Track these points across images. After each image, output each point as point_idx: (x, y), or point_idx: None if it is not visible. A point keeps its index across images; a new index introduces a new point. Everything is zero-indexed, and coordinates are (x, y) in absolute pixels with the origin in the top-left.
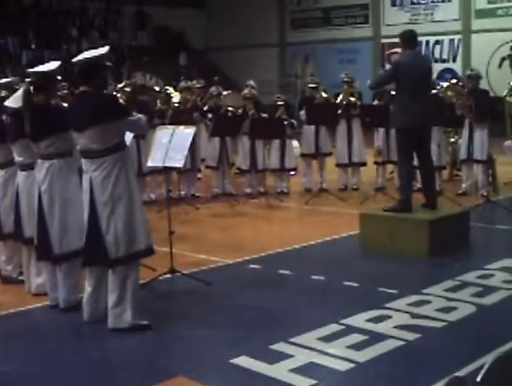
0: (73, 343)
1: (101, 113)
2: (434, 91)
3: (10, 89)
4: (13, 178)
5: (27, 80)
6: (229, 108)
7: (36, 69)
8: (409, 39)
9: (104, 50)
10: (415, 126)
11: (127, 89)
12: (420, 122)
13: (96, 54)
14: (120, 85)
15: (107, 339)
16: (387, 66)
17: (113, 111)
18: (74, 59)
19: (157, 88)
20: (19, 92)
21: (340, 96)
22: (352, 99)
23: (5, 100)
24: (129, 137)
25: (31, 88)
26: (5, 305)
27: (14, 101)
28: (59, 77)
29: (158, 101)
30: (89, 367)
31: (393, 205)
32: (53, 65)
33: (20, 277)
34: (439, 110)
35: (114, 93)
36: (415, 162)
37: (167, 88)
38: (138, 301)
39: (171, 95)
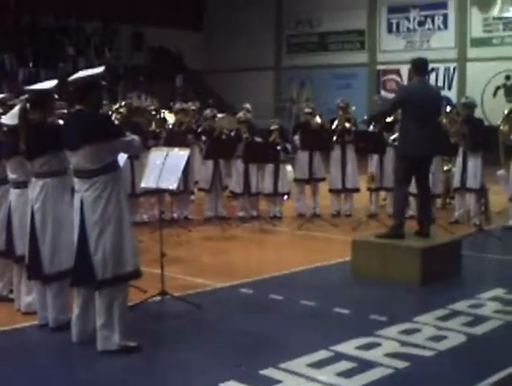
0: (61, 364)
1: (95, 133)
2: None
3: (4, 105)
4: (6, 196)
5: (23, 97)
6: (224, 131)
7: (33, 87)
8: (421, 66)
9: (100, 69)
10: (420, 154)
11: (122, 110)
12: (425, 150)
13: (92, 73)
14: (115, 106)
15: (95, 361)
16: (382, 92)
17: (107, 131)
18: (70, 78)
19: (152, 111)
20: (16, 109)
21: (336, 122)
22: (347, 125)
23: (1, 117)
24: (122, 158)
25: (28, 105)
26: None
27: (10, 118)
28: (55, 96)
29: (152, 123)
30: None
31: (385, 231)
32: (50, 84)
33: (10, 295)
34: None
35: (109, 113)
36: (410, 189)
37: (162, 111)
38: (127, 322)
39: (166, 117)
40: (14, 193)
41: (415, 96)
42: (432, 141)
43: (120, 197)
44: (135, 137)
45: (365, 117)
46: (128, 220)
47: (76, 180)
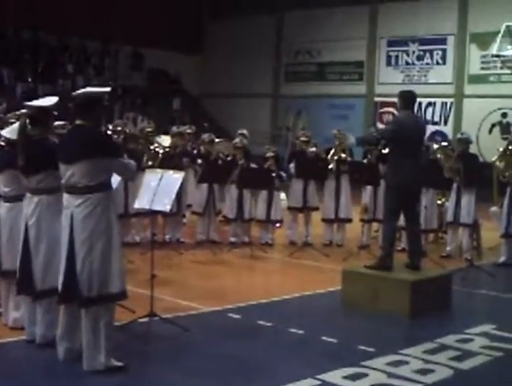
0: (46, 381)
1: (94, 148)
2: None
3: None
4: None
5: (20, 112)
6: (220, 156)
7: (34, 103)
8: (410, 99)
9: (106, 89)
10: (407, 185)
11: (119, 135)
12: (413, 182)
13: (98, 91)
14: (111, 126)
15: (81, 380)
16: (378, 124)
17: (106, 148)
18: (75, 92)
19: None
20: (17, 124)
21: (332, 152)
22: (343, 155)
23: None
24: (116, 179)
25: (28, 121)
26: None
27: (10, 132)
28: (55, 113)
29: (145, 155)
30: None
31: (374, 262)
32: (51, 100)
33: None
34: (429, 172)
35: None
36: (402, 222)
37: (156, 146)
38: (113, 342)
39: (161, 141)
40: (4, 207)
41: (405, 127)
42: (419, 173)
43: (111, 218)
44: (131, 162)
45: (354, 139)
46: (117, 241)
47: (66, 196)
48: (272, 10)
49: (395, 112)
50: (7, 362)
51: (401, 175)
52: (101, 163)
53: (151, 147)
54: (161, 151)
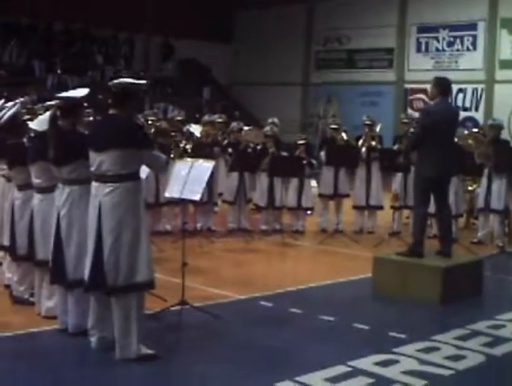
0: (79, 369)
1: (127, 137)
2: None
3: (28, 110)
4: (31, 201)
5: (50, 103)
6: (250, 145)
7: (65, 94)
8: (446, 86)
9: (143, 82)
10: (439, 174)
11: (150, 128)
12: (444, 171)
13: (135, 82)
14: (141, 118)
15: (112, 368)
16: (409, 111)
17: (139, 139)
18: (112, 82)
19: (177, 135)
20: (45, 116)
21: (362, 139)
22: (373, 142)
23: (27, 123)
24: (145, 169)
25: (58, 112)
26: (14, 326)
27: (38, 124)
28: (85, 104)
29: (180, 145)
30: None
31: (405, 249)
32: (82, 92)
33: (31, 299)
34: (458, 158)
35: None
36: (432, 209)
37: (188, 127)
38: (145, 330)
39: (192, 129)
40: (37, 198)
41: (438, 118)
42: (451, 163)
43: (139, 207)
44: (162, 155)
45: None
46: (145, 231)
47: (95, 184)
48: None
49: (426, 98)
50: (40, 351)
51: (432, 164)
52: (133, 153)
53: (181, 145)
54: (189, 146)
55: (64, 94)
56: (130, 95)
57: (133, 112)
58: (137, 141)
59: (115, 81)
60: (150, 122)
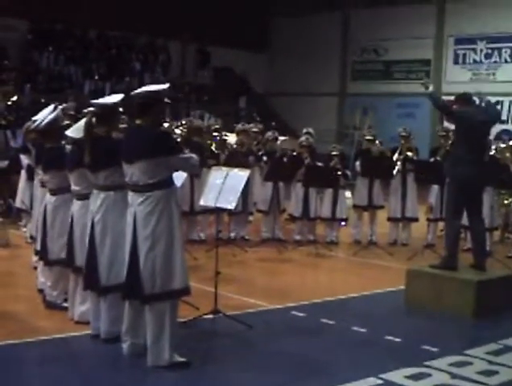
0: (110, 375)
1: (153, 148)
2: (492, 152)
3: (68, 116)
4: (63, 206)
5: (88, 110)
6: (285, 154)
7: (100, 101)
8: (469, 98)
9: (164, 86)
10: (468, 178)
11: (182, 129)
12: (474, 175)
13: (155, 89)
14: (176, 124)
15: (144, 374)
16: (445, 124)
17: (164, 146)
18: (133, 92)
19: (213, 132)
20: (81, 123)
21: (398, 151)
22: (409, 154)
23: (67, 129)
24: (182, 176)
25: (94, 119)
26: (47, 330)
27: (75, 131)
28: (121, 110)
29: (213, 144)
30: None
31: (438, 262)
32: (116, 98)
33: (64, 304)
34: (494, 171)
35: (170, 130)
36: (466, 222)
37: (223, 133)
38: (177, 338)
39: (227, 138)
40: (76, 204)
41: (469, 120)
42: (484, 167)
43: (173, 214)
44: (193, 156)
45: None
46: (179, 238)
47: (130, 193)
48: (338, 7)
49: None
50: (72, 356)
51: (461, 168)
52: (160, 162)
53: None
54: (230, 140)
55: (98, 100)
56: (152, 103)
57: (159, 119)
58: (162, 150)
59: (136, 91)
60: (183, 122)
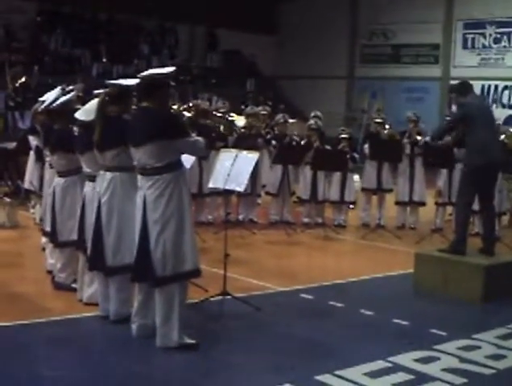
0: (119, 356)
1: (159, 131)
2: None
3: (79, 98)
4: (72, 188)
5: (101, 91)
6: (294, 137)
7: (117, 82)
8: (465, 87)
9: (170, 69)
10: (488, 162)
11: (190, 111)
12: (490, 162)
13: (161, 72)
14: (183, 106)
15: (152, 355)
16: (453, 107)
17: (171, 129)
18: (139, 75)
19: (219, 114)
20: (90, 105)
21: (406, 135)
22: (418, 138)
23: (75, 112)
24: (190, 158)
25: (107, 98)
26: (55, 312)
27: (84, 114)
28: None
29: (221, 127)
30: (132, 381)
31: (447, 246)
32: (132, 81)
33: (73, 285)
34: (503, 156)
35: (178, 113)
36: (475, 206)
37: (231, 114)
38: (186, 320)
39: (235, 121)
40: (88, 186)
41: (475, 109)
42: (497, 152)
43: (182, 197)
44: (200, 139)
45: (428, 138)
46: (189, 220)
47: (139, 177)
48: None
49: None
50: (81, 337)
51: (480, 152)
52: (167, 145)
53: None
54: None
55: (116, 81)
56: (158, 85)
57: (166, 102)
58: (169, 133)
59: (142, 74)
60: (191, 104)
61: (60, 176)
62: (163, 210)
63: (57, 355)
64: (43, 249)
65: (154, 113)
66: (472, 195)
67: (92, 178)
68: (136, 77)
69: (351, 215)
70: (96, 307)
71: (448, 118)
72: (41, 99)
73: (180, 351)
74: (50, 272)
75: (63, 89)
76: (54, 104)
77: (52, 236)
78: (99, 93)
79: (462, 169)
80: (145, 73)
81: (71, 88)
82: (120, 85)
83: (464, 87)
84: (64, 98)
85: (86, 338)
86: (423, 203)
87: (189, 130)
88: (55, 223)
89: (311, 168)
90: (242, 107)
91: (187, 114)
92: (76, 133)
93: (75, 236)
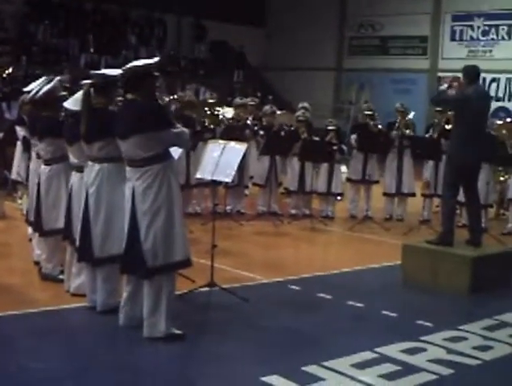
0: (106, 346)
1: (145, 122)
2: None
3: (66, 88)
4: (57, 176)
5: (87, 81)
6: (282, 128)
7: (100, 72)
8: (474, 74)
9: (154, 60)
10: (470, 161)
11: (175, 103)
12: (476, 157)
13: (145, 63)
14: (170, 97)
15: (139, 346)
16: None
17: (156, 121)
18: (124, 67)
19: (206, 107)
20: (78, 95)
21: (395, 127)
22: (406, 130)
23: (64, 101)
24: (178, 150)
25: (92, 89)
26: (42, 303)
27: (72, 103)
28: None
29: (206, 120)
30: (119, 371)
31: (434, 238)
32: (116, 71)
33: (60, 276)
34: (491, 148)
35: (165, 104)
36: (461, 198)
37: (218, 109)
38: (173, 310)
39: (223, 112)
40: (75, 176)
41: (470, 103)
42: (483, 147)
43: (171, 188)
44: (185, 130)
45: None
46: (179, 210)
47: (127, 168)
48: None
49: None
50: (68, 327)
51: (464, 151)
52: (152, 136)
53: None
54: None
55: (99, 71)
56: (142, 77)
57: (152, 93)
58: (154, 125)
59: (125, 66)
60: (175, 96)
61: (46, 164)
62: (152, 201)
63: (44, 345)
64: (30, 240)
65: (139, 105)
66: (456, 187)
67: (80, 169)
68: (122, 68)
69: (338, 206)
70: (83, 298)
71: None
72: (26, 89)
73: (167, 342)
74: (37, 263)
75: (48, 79)
76: (38, 94)
77: (37, 224)
78: (84, 84)
79: (446, 160)
80: (129, 65)
81: (58, 78)
82: (104, 75)
83: (470, 74)
84: (46, 87)
85: (73, 329)
86: (412, 194)
87: (175, 122)
88: (41, 212)
89: (298, 159)
90: (229, 98)
91: (172, 106)
92: (64, 121)
93: (60, 225)
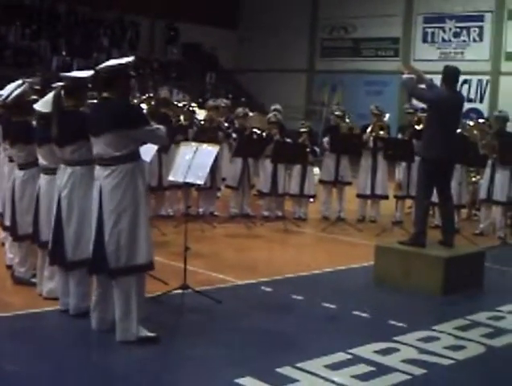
0: (79, 350)
1: (119, 120)
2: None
3: (36, 91)
4: (31, 180)
5: (59, 84)
6: (255, 130)
7: (70, 74)
8: (453, 76)
9: (129, 59)
10: (442, 159)
11: (150, 101)
12: (447, 156)
13: (120, 62)
14: (143, 97)
15: (113, 349)
16: (413, 101)
17: (130, 118)
18: (99, 66)
19: (180, 104)
20: (49, 97)
21: (369, 129)
22: (381, 132)
23: (34, 104)
24: (151, 151)
25: (62, 92)
26: (15, 306)
27: (43, 106)
28: (89, 86)
29: (181, 117)
30: (92, 374)
31: (407, 238)
32: (87, 73)
33: (33, 280)
34: (463, 148)
35: (138, 103)
36: (435, 199)
37: (192, 104)
38: (146, 313)
39: (195, 111)
40: (43, 179)
41: (444, 102)
42: (455, 147)
43: (138, 189)
44: (160, 127)
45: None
46: (145, 212)
47: (97, 167)
48: None
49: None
50: (41, 331)
51: (436, 149)
52: (126, 134)
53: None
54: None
55: (69, 74)
56: (117, 76)
57: (126, 92)
58: (128, 122)
59: (100, 66)
60: (151, 95)
61: (20, 169)
62: (119, 201)
63: (17, 349)
64: (3, 244)
65: (113, 103)
66: (430, 188)
67: (48, 171)
68: (95, 70)
69: (311, 208)
70: (56, 301)
71: (409, 107)
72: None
73: (140, 345)
74: (9, 267)
75: (23, 82)
76: (8, 98)
77: (12, 229)
78: (56, 86)
79: (419, 162)
80: (104, 64)
81: (28, 80)
82: (74, 78)
83: (450, 76)
84: (17, 91)
85: (46, 333)
86: (385, 197)
87: (149, 120)
88: (15, 217)
89: (271, 161)
90: (201, 100)
91: (146, 105)
92: (34, 125)
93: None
